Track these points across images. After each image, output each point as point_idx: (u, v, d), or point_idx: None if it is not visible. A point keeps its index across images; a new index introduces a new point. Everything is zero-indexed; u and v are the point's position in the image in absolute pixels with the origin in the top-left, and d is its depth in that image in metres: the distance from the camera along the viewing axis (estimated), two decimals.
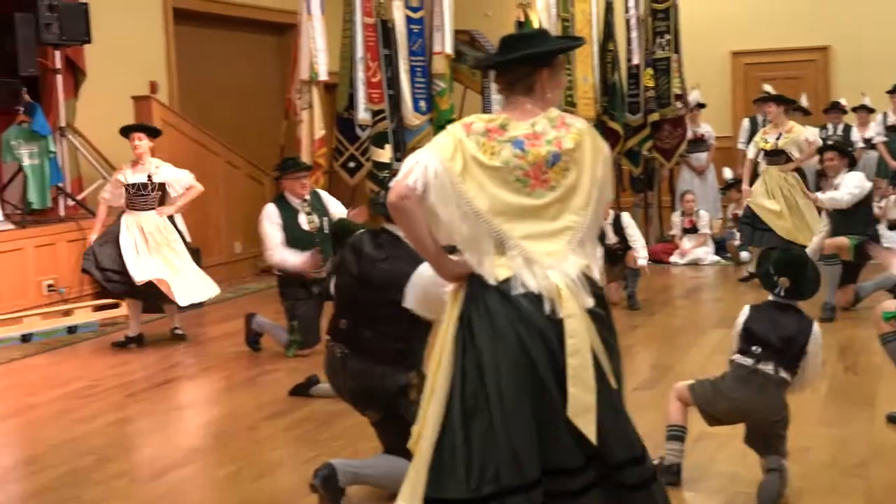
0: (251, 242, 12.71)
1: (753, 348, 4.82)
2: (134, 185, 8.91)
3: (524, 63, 3.51)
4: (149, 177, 8.94)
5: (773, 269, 4.93)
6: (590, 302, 3.33)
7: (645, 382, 6.90)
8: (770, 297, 4.97)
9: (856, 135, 13.44)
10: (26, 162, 10.33)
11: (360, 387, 4.83)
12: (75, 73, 11.35)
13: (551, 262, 3.33)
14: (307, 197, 8.17)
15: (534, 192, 3.38)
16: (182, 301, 8.71)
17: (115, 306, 9.75)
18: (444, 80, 12.67)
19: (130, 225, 8.79)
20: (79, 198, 10.98)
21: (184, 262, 8.91)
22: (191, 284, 8.82)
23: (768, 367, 4.78)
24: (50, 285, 9.85)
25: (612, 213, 9.68)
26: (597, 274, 3.38)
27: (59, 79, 10.90)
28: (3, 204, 10.09)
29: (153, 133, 9.24)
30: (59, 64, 10.90)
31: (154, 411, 6.82)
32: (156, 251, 8.73)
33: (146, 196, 8.90)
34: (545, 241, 3.35)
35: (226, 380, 7.60)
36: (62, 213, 10.68)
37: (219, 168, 12.46)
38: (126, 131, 9.17)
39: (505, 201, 3.37)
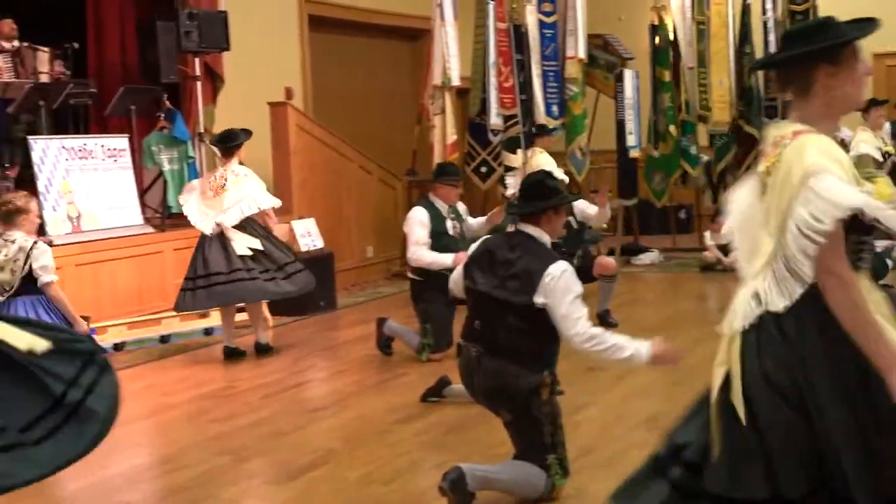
0: (383, 246, 12.82)
1: None
2: None
3: (799, 61, 3.13)
4: None
5: None
6: (735, 324, 3.14)
7: None
8: None
9: None
10: (166, 167, 10.59)
11: (493, 385, 4.86)
12: (214, 79, 11.60)
13: (745, 280, 3.21)
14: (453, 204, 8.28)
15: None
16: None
17: None
18: (577, 85, 12.60)
19: None
20: None
21: None
22: None
23: None
24: None
25: None
26: (771, 300, 3.08)
27: (199, 85, 11.15)
28: (143, 208, 10.34)
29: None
30: (198, 71, 11.15)
31: (288, 413, 6.89)
32: None
33: None
34: (755, 259, 3.19)
35: (357, 383, 7.64)
36: None
37: (352, 172, 12.58)
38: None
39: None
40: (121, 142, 10.19)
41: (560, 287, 4.68)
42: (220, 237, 8.39)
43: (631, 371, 7.54)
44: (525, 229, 4.94)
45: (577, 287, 4.73)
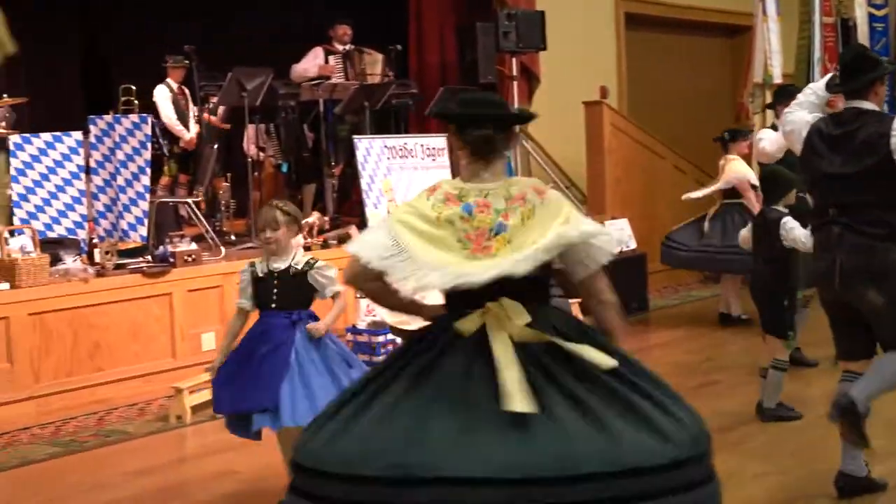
0: None
1: None
2: None
3: None
4: None
5: None
6: None
7: None
8: None
9: None
10: None
11: (858, 263, 4.71)
12: (529, 79, 11.70)
13: None
14: None
15: None
16: None
17: None
18: None
19: None
20: None
21: None
22: None
23: None
24: None
25: None
26: None
27: (515, 85, 11.26)
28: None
29: None
30: (515, 71, 11.26)
31: None
32: None
33: None
34: None
35: (675, 386, 7.45)
36: None
37: (666, 172, 12.36)
38: None
39: None
40: (439, 141, 10.41)
41: None
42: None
43: None
44: (854, 104, 4.79)
45: None
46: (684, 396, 7.17)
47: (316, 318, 5.09)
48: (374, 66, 10.96)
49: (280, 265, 5.11)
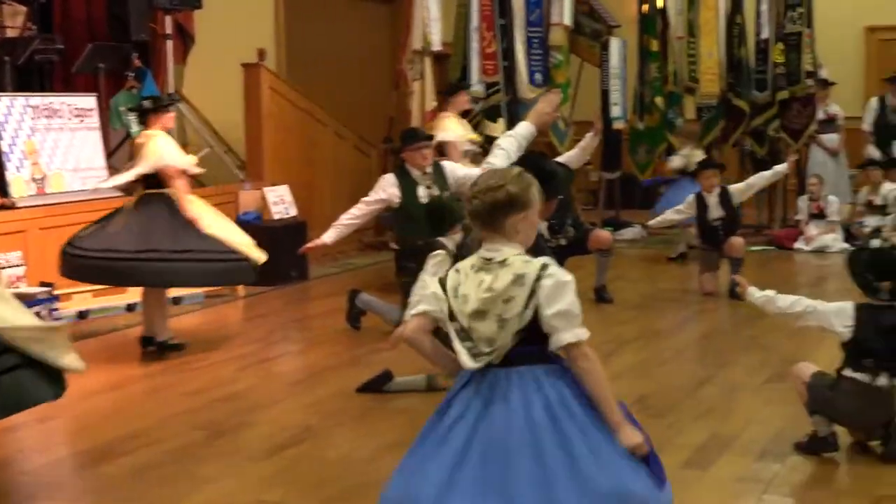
0: None
1: (866, 362, 4.86)
2: None
3: None
4: None
5: (872, 274, 4.93)
6: None
7: (775, 376, 6.48)
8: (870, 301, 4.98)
9: None
10: (134, 128, 10.14)
11: None
12: (185, 38, 11.24)
13: None
14: (428, 169, 7.84)
15: None
16: None
17: None
18: (562, 52, 12.31)
19: None
20: None
21: None
22: None
23: (883, 381, 4.85)
24: None
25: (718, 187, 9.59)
26: None
27: (169, 44, 10.76)
28: (110, 170, 9.94)
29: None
30: (169, 29, 10.75)
31: (263, 388, 6.62)
32: None
33: None
34: None
35: (334, 356, 7.35)
36: None
37: (326, 139, 12.22)
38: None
39: None
40: (88, 101, 9.79)
41: None
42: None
43: (617, 351, 7.30)
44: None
45: None
46: (346, 366, 7.13)
47: None
48: (16, 17, 10.15)
49: None
